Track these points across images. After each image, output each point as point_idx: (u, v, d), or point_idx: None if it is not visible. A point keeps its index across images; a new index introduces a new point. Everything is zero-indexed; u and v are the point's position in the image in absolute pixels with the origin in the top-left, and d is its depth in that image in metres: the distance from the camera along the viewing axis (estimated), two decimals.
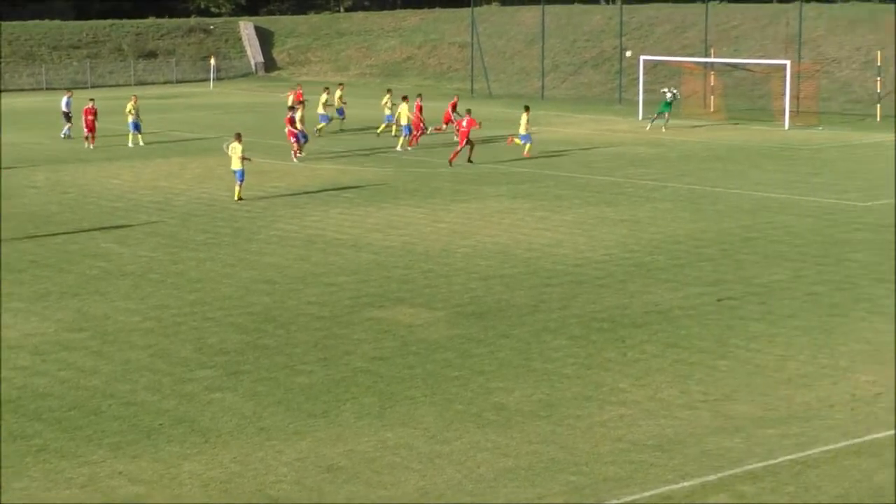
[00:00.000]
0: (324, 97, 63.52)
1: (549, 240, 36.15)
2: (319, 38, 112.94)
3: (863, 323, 26.75)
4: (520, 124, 54.43)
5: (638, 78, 73.67)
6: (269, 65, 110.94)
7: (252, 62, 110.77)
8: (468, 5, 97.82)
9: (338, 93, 64.07)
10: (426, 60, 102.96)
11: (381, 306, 28.63)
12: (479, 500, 17.75)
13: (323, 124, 62.32)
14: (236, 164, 43.12)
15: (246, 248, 35.72)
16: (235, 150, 43.12)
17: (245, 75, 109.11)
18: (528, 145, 53.52)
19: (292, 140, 52.95)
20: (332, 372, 23.70)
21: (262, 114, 75.20)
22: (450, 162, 51.30)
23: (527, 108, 55.28)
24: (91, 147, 58.19)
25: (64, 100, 63.56)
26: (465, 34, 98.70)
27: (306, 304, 28.92)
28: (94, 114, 58.82)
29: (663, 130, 63.19)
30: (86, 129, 58.75)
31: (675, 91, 65.33)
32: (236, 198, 43.28)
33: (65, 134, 62.68)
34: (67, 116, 63.00)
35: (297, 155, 53.21)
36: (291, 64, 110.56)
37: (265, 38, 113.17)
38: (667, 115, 64.20)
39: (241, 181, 43.37)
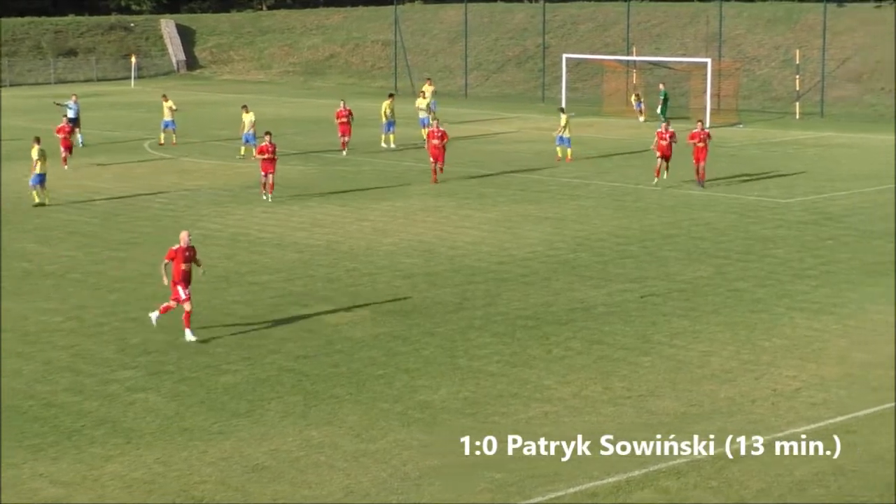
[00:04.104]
0: (168, 104, 58.66)
1: (474, 237, 36.19)
2: (242, 36, 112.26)
3: (784, 318, 27.02)
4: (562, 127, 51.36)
5: (561, 76, 73.88)
6: (191, 63, 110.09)
7: (174, 60, 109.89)
8: (391, 3, 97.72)
9: (245, 116, 53.37)
10: (349, 59, 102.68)
11: (305, 305, 28.54)
12: (404, 499, 17.74)
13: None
14: (40, 168, 41.73)
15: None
16: (40, 154, 41.58)
17: (167, 73, 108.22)
18: (560, 148, 51.63)
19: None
20: (257, 371, 23.60)
21: (184, 112, 74.58)
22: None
23: (562, 110, 53.27)
24: (66, 168, 49.84)
25: (70, 104, 58.89)
26: (388, 32, 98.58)
27: (230, 303, 28.77)
28: (70, 132, 51.47)
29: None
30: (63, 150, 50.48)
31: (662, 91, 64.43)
32: (45, 202, 41.80)
33: (80, 142, 56.93)
34: (76, 122, 57.42)
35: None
36: (214, 62, 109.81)
37: (187, 36, 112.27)
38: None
39: (42, 185, 42.09)
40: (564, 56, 74.47)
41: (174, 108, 59.12)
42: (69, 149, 50.58)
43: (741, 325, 26.47)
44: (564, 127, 50.94)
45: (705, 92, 67.31)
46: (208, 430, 20.52)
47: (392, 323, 26.93)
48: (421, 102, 59.59)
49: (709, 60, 68.51)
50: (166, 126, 59.10)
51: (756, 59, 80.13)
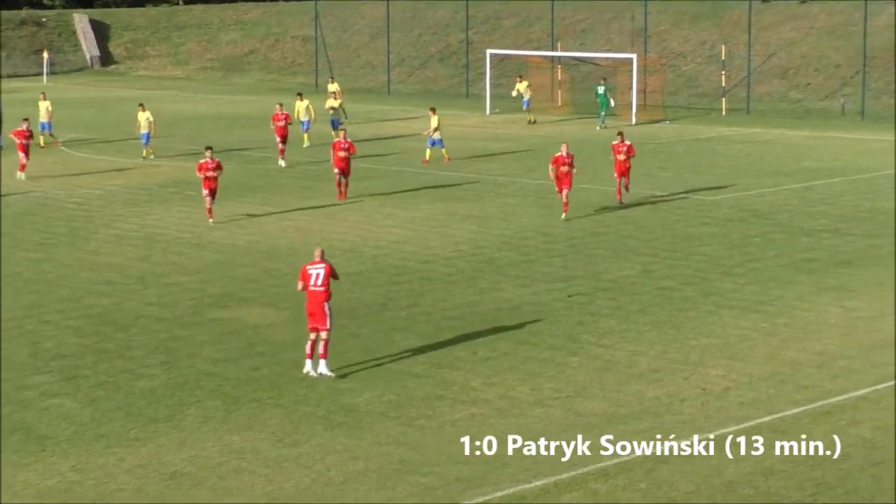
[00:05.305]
0: (46, 104, 57.03)
1: (397, 236, 35.86)
2: (158, 32, 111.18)
3: (712, 317, 26.95)
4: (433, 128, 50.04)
5: (485, 72, 73.78)
6: (106, 59, 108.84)
7: (87, 56, 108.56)
8: None
9: (141, 115, 52.15)
10: (269, 54, 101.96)
11: (225, 306, 28.11)
12: None
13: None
14: None
15: (83, 248, 34.87)
16: None
17: (80, 69, 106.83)
18: (430, 151, 50.22)
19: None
20: (175, 375, 23.17)
21: (100, 109, 73.73)
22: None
23: (433, 110, 51.07)
24: (23, 176, 46.60)
25: None
26: (308, 28, 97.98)
27: (147, 306, 28.30)
28: (28, 136, 47.77)
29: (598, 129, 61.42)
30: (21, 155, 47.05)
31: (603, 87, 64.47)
32: None
33: None
34: None
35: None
36: (129, 58, 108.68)
37: (101, 32, 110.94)
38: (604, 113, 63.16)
39: None
40: (488, 52, 74.37)
41: (50, 109, 57.28)
42: (26, 153, 46.96)
43: (669, 324, 26.33)
44: (436, 129, 50.03)
45: (631, 88, 67.43)
46: (126, 436, 20.11)
47: None
48: (332, 103, 58.34)
49: (634, 56, 68.63)
50: (43, 128, 56.50)
51: (682, 54, 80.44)
